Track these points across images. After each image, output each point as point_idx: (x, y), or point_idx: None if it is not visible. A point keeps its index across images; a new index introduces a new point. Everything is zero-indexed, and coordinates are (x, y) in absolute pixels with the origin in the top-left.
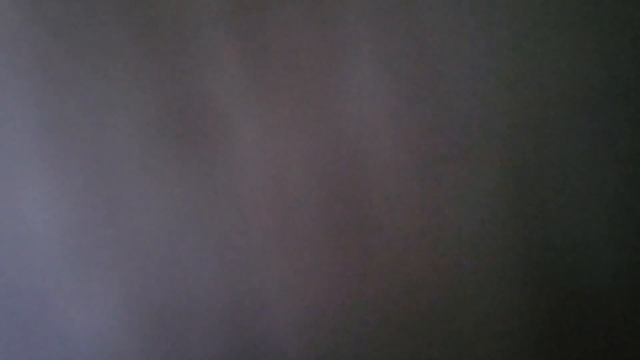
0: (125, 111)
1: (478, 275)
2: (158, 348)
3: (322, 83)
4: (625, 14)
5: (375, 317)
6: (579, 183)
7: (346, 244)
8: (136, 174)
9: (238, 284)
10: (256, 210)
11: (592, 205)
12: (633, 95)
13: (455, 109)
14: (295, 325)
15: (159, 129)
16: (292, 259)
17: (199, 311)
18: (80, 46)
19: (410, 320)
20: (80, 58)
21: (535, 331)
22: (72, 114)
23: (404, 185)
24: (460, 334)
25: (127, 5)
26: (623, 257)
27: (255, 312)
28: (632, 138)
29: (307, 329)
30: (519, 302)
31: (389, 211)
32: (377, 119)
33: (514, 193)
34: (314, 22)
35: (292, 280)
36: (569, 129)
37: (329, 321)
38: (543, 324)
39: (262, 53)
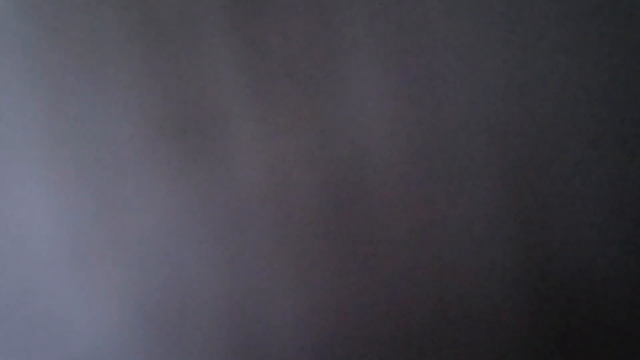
0: (125, 111)
1: (478, 275)
2: (159, 347)
3: (322, 82)
4: (626, 14)
5: (374, 316)
6: (579, 183)
7: (346, 244)
8: (136, 174)
9: (238, 283)
10: (256, 210)
11: (592, 205)
12: (633, 95)
13: (456, 109)
14: (295, 325)
15: (159, 129)
16: (292, 258)
17: (200, 311)
18: (79, 45)
19: (410, 320)
20: (79, 58)
21: (535, 330)
22: (71, 114)
23: (403, 185)
24: (460, 334)
25: (126, 5)
26: (623, 257)
27: (255, 311)
28: (632, 138)
29: (307, 328)
30: (518, 302)
31: (389, 211)
32: (377, 118)
33: (514, 193)
34: (314, 21)
35: (292, 280)
36: (569, 128)
37: (329, 321)
38: (543, 323)
39: (262, 52)
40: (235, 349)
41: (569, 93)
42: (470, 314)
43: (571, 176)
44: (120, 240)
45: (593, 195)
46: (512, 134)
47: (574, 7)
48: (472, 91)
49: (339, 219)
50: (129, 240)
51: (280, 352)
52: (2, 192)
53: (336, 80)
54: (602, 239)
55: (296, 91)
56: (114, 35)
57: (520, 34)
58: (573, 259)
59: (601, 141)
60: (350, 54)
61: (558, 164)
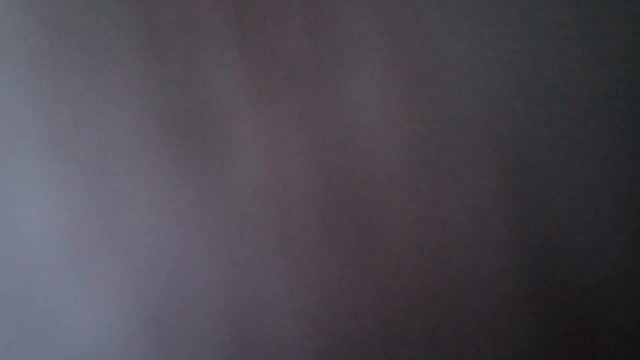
0: (125, 112)
1: (478, 276)
2: (159, 348)
3: (322, 84)
4: (626, 13)
5: (374, 317)
6: (579, 183)
7: (346, 244)
8: (136, 175)
9: (238, 283)
10: (256, 210)
11: (593, 204)
12: (634, 95)
13: (456, 110)
14: (295, 325)
15: (159, 130)
16: (291, 258)
17: (200, 311)
18: (79, 47)
19: (410, 319)
20: (80, 59)
21: (536, 330)
22: (71, 115)
23: (403, 184)
24: (460, 335)
25: (126, 5)
26: (624, 257)
27: (255, 311)
28: (632, 137)
29: (306, 328)
30: (519, 302)
31: (389, 211)
32: (377, 119)
33: (514, 193)
34: (314, 23)
35: (292, 280)
36: (569, 128)
37: (329, 321)
38: (543, 323)
39: (262, 53)
40: (235, 349)
41: (570, 93)
42: (470, 313)
43: (572, 176)
44: (120, 240)
45: (593, 195)
46: (513, 134)
47: (573, 6)
48: (473, 90)
49: (339, 219)
50: (128, 241)
51: (280, 352)
52: (2, 192)
53: (336, 80)
54: (602, 239)
55: (296, 91)
56: (114, 35)
57: (521, 33)
58: (573, 258)
59: (601, 140)
60: (350, 54)
61: (559, 164)
